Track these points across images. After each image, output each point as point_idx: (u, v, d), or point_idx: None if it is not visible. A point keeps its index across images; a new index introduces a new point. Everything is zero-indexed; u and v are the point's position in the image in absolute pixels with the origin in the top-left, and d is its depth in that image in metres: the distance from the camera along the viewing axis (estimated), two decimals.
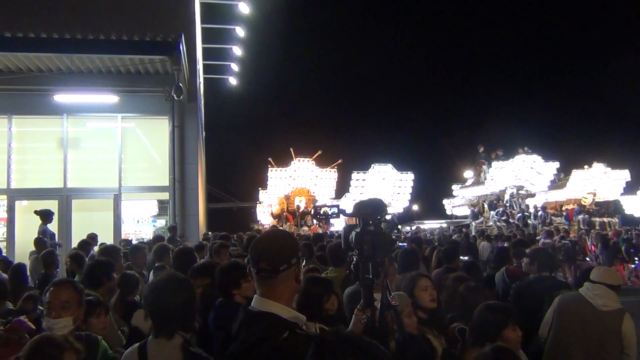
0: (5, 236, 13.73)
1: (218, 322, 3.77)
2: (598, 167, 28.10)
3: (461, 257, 7.21)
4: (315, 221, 23.15)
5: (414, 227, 30.66)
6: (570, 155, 31.62)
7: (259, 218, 27.94)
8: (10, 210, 13.76)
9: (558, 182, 28.44)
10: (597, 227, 21.77)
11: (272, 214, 24.86)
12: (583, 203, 27.13)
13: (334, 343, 1.41)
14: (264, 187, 25.87)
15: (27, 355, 2.48)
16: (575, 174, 27.76)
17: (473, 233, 20.17)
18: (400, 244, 7.44)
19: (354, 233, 2.41)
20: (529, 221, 24.23)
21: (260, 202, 27.50)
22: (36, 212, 10.69)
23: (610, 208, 26.88)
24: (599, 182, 28.03)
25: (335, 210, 2.50)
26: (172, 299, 2.74)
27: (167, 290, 2.80)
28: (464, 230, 22.76)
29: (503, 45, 66.83)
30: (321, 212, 2.23)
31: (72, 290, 3.31)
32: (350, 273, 2.47)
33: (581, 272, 5.34)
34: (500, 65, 66.16)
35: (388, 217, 2.53)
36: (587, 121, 48.50)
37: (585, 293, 4.21)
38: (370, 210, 2.41)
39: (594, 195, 27.70)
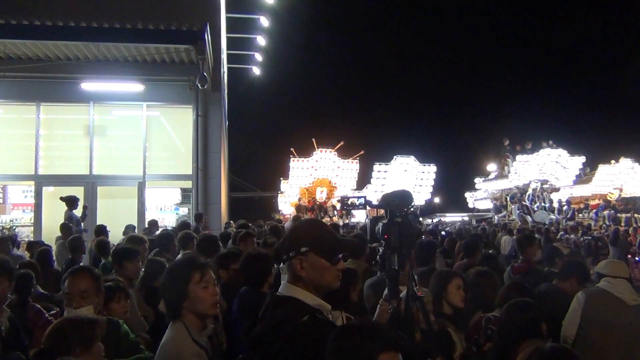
0: (32, 221, 14.02)
1: (243, 310, 3.81)
2: (625, 162, 27.61)
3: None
4: (336, 212, 23.16)
5: (435, 220, 30.52)
6: (597, 149, 31.11)
7: (280, 208, 28.04)
8: (38, 196, 14.03)
9: (584, 177, 28.02)
10: (623, 224, 21.42)
11: (292, 205, 24.92)
12: (609, 198, 26.71)
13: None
14: (286, 177, 25.92)
15: (62, 336, 2.54)
16: (602, 168, 27.33)
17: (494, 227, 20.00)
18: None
19: (380, 224, 2.42)
20: (553, 215, 23.96)
21: (281, 192, 27.57)
22: (62, 199, 10.90)
23: (637, 204, 26.41)
24: (625, 177, 27.56)
25: (362, 201, 2.49)
26: (164, 285, 2.71)
27: (169, 273, 2.78)
28: (483, 222, 22.64)
29: (530, 37, 65.81)
30: (349, 203, 2.22)
31: (89, 279, 3.34)
32: (376, 264, 2.49)
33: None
34: (527, 58, 65.26)
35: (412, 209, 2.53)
36: (614, 115, 47.59)
37: (610, 288, 4.16)
38: (398, 202, 2.41)
39: (621, 190, 27.25)
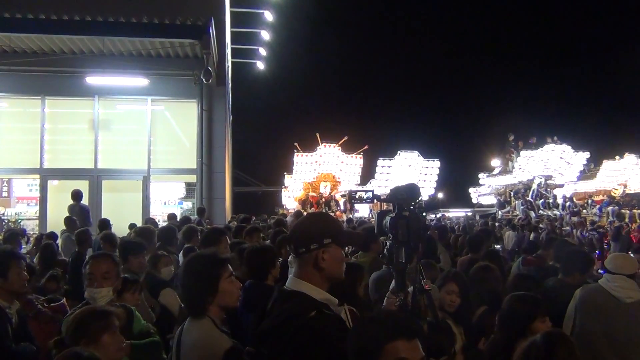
0: (37, 214, 14.09)
1: (248, 304, 3.83)
2: (629, 158, 27.51)
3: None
4: (339, 207, 23.18)
5: (438, 215, 30.50)
6: (601, 145, 30.98)
7: (284, 202, 28.08)
8: (43, 189, 14.09)
9: (588, 173, 27.96)
10: (627, 220, 21.38)
11: (297, 199, 24.95)
12: (613, 194, 26.64)
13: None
14: (290, 171, 25.93)
15: (76, 328, 2.59)
16: (606, 164, 27.24)
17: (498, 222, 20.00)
18: None
19: (388, 218, 2.44)
20: (557, 211, 23.95)
21: (285, 187, 27.60)
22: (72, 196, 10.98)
23: None
24: (630, 173, 27.47)
25: (370, 195, 2.51)
26: (189, 277, 2.68)
27: (187, 269, 2.74)
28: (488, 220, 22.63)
29: (534, 32, 65.51)
30: (356, 197, 2.23)
31: (110, 262, 3.52)
32: (384, 257, 2.51)
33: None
34: (531, 53, 65.01)
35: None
36: (619, 111, 47.41)
37: (607, 285, 4.10)
38: (406, 195, 2.43)
39: (625, 186, 27.18)
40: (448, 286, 3.86)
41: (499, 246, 9.31)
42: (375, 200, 2.53)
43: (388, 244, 2.45)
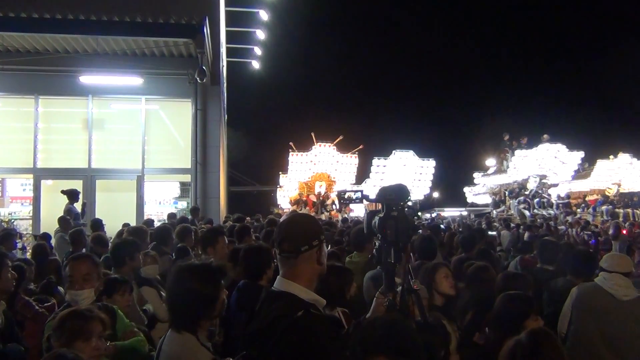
0: (31, 214, 14.03)
1: (241, 303, 3.83)
2: (624, 158, 27.59)
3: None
4: (335, 206, 23.15)
5: (434, 214, 30.54)
6: (596, 144, 31.10)
7: (279, 202, 28.06)
8: (36, 189, 14.03)
9: (582, 172, 28.02)
10: (621, 219, 21.43)
11: (291, 199, 24.92)
12: (607, 194, 26.72)
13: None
14: (285, 171, 25.92)
15: (56, 329, 2.58)
16: (600, 164, 27.32)
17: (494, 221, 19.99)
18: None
19: (377, 218, 2.44)
20: (551, 211, 23.99)
21: (280, 186, 27.57)
22: (63, 192, 10.90)
23: (635, 199, 26.40)
24: (624, 172, 27.56)
25: (359, 195, 2.51)
26: (186, 290, 2.53)
27: (182, 281, 2.58)
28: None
29: (529, 32, 65.74)
30: (345, 197, 2.22)
31: (90, 264, 3.47)
32: (373, 257, 2.51)
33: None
34: (526, 52, 65.19)
35: (410, 203, 2.55)
36: (613, 110, 47.61)
37: (603, 283, 4.12)
38: (394, 195, 2.43)
39: (619, 185, 27.27)
40: (441, 271, 3.89)
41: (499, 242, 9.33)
42: (364, 200, 2.53)
43: (377, 244, 2.46)
